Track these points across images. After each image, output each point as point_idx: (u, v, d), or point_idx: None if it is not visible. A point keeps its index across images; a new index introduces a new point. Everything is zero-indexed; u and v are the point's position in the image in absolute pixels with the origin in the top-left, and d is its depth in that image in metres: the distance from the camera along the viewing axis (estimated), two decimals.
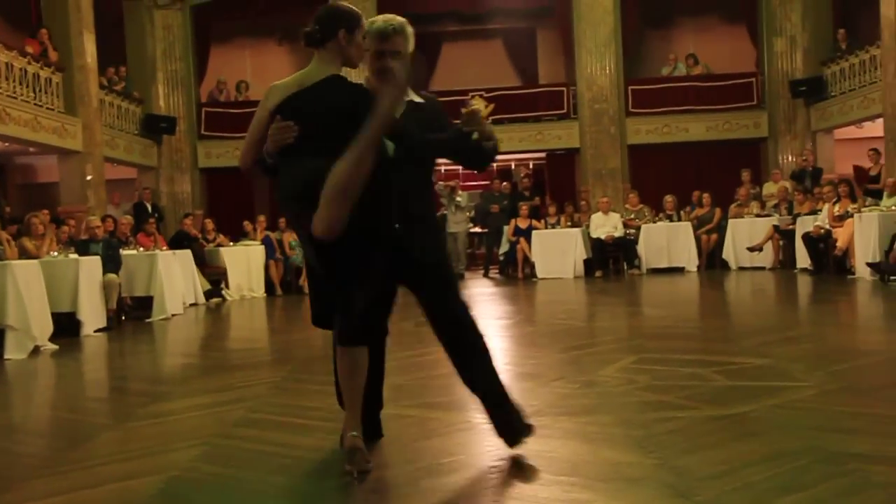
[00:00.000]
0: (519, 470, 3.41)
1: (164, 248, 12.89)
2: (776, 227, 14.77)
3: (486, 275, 17.24)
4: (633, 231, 15.96)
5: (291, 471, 3.60)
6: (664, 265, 15.54)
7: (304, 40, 3.47)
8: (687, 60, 19.44)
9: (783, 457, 3.43)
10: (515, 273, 16.36)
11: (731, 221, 15.56)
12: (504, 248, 16.74)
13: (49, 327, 8.54)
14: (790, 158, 18.24)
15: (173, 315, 11.29)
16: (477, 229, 18.60)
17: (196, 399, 5.46)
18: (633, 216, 16.34)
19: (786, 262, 14.72)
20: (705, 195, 16.37)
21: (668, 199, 16.36)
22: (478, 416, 4.47)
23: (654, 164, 18.74)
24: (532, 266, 15.85)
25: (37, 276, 8.52)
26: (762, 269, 14.82)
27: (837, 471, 3.21)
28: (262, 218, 16.29)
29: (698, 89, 18.97)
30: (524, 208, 16.56)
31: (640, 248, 15.70)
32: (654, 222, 15.99)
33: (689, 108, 18.81)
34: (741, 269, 15.09)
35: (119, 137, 16.65)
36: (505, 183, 18.52)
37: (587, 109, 18.87)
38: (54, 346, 8.40)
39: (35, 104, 13.66)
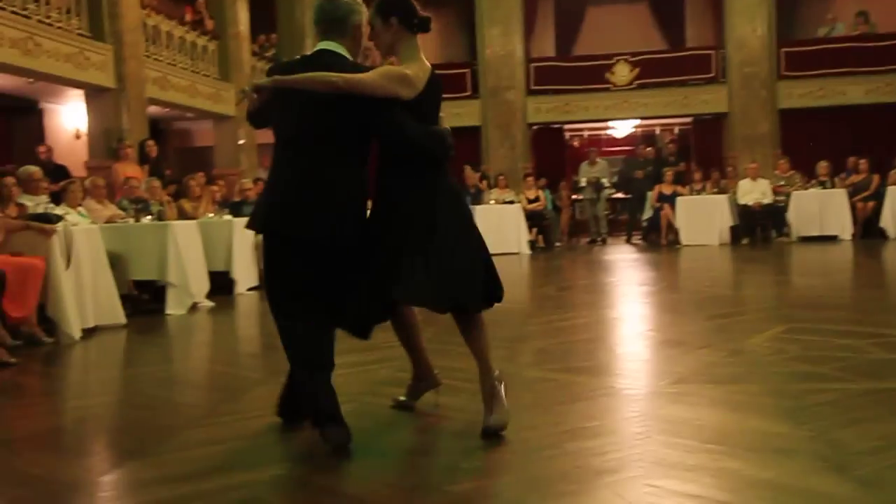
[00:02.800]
0: (664, 437, 3.39)
1: None
2: None
3: (628, 241, 17.02)
4: (782, 198, 15.42)
5: (437, 430, 3.69)
6: (815, 233, 14.93)
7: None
8: (857, 18, 18.46)
9: None
10: (658, 239, 16.07)
11: (890, 188, 14.78)
12: (647, 214, 16.47)
13: (206, 285, 8.94)
14: None
15: None
16: (620, 195, 18.38)
17: (344, 358, 5.55)
18: (782, 182, 15.77)
19: None
20: (862, 161, 15.62)
21: (822, 164, 15.68)
22: (621, 382, 4.46)
23: (808, 129, 17.97)
24: (676, 233, 15.54)
25: (195, 236, 8.91)
26: None
27: None
28: None
29: (858, 50, 18.02)
30: (669, 174, 16.22)
31: (790, 215, 15.14)
32: (806, 189, 15.38)
33: (848, 69, 17.90)
34: None
35: None
36: (649, 148, 18.21)
37: (736, 73, 18.26)
38: (210, 304, 8.79)
39: (192, 71, 14.22)
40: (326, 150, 3.54)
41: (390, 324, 3.94)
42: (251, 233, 10.15)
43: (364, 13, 3.69)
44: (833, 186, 15.43)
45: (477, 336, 3.67)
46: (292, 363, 3.64)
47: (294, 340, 3.58)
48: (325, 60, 3.54)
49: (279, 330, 3.60)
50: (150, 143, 12.05)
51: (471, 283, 3.60)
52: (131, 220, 8.80)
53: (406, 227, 3.56)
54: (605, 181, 17.24)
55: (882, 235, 14.71)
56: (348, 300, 3.63)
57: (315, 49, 3.66)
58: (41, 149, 12.25)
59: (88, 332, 6.96)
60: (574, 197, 18.53)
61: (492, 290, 3.72)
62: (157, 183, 10.21)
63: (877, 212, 14.95)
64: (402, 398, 4.07)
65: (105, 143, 11.86)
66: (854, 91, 17.89)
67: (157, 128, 15.43)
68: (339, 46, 3.62)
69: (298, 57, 3.74)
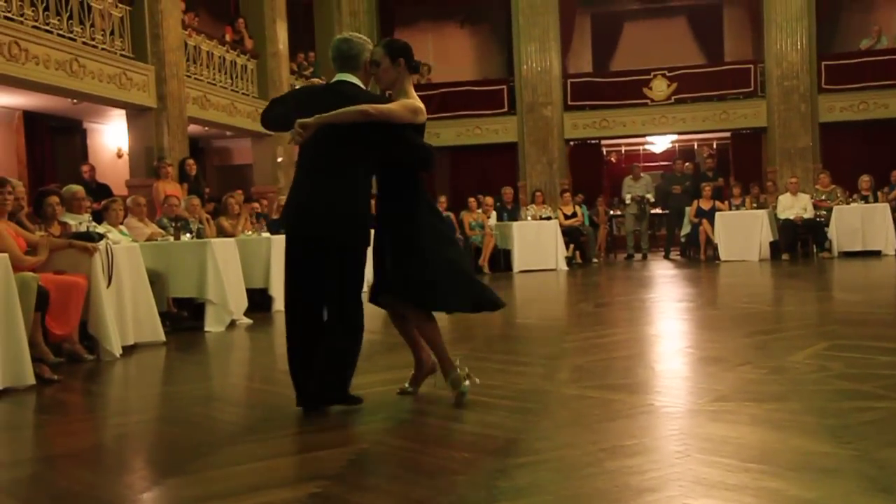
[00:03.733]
0: (705, 455, 3.34)
1: None
2: None
3: (666, 256, 16.90)
4: (823, 212, 15.24)
5: (476, 447, 3.66)
6: (858, 248, 14.73)
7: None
8: None
9: None
10: (697, 255, 15.96)
11: None
12: (686, 229, 16.36)
13: (244, 302, 8.99)
14: None
15: None
16: (658, 210, 18.27)
17: (381, 375, 5.61)
18: (823, 197, 15.58)
19: None
20: None
21: (865, 178, 15.47)
22: (660, 399, 4.42)
23: (849, 143, 17.76)
24: (715, 248, 15.41)
25: (233, 253, 8.97)
26: None
27: None
28: (443, 198, 16.52)
29: None
30: (707, 189, 16.11)
31: (832, 230, 14.95)
32: (848, 203, 15.18)
33: (890, 82, 17.66)
34: None
35: None
36: (687, 163, 18.10)
37: (776, 87, 18.10)
38: (249, 321, 8.84)
39: (232, 90, 14.38)
40: (334, 161, 4.28)
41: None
42: None
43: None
44: (876, 201, 15.22)
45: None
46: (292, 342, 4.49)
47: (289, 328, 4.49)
48: (345, 89, 4.37)
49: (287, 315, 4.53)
50: (190, 161, 12.19)
51: (434, 287, 4.40)
52: (171, 238, 8.89)
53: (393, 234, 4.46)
54: (649, 196, 17.16)
55: None
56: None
57: (335, 79, 4.47)
58: (84, 168, 12.43)
59: (128, 350, 7.03)
60: (612, 212, 18.46)
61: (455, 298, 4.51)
62: (196, 201, 10.31)
63: None
64: (407, 386, 4.75)
65: (146, 162, 12.02)
66: None
67: (197, 146, 15.61)
68: (354, 77, 4.43)
69: (321, 84, 4.56)
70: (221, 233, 10.29)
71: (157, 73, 11.96)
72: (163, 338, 7.55)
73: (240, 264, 9.05)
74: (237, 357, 7.50)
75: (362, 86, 4.44)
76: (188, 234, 9.07)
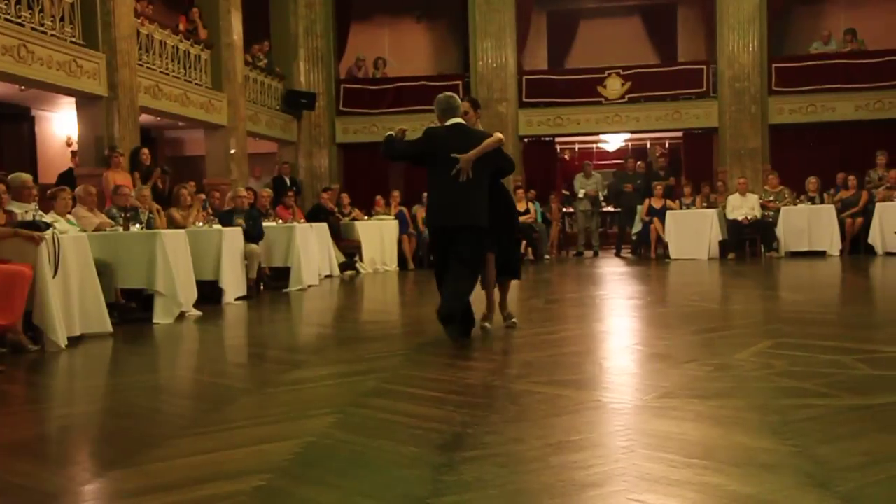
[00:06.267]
0: (649, 451, 3.39)
1: (302, 220, 13.23)
2: None
3: (617, 254, 17.06)
4: (771, 213, 15.48)
5: (423, 441, 3.67)
6: (804, 248, 15.01)
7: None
8: (845, 36, 18.52)
9: None
10: (648, 253, 16.12)
11: (878, 205, 14.86)
12: (637, 227, 16.52)
13: (194, 294, 8.91)
14: None
15: (309, 286, 11.59)
16: (610, 208, 18.43)
17: (330, 368, 5.62)
18: (772, 198, 15.82)
19: None
20: (851, 177, 15.69)
21: (812, 180, 15.74)
22: (607, 396, 4.47)
23: (797, 145, 18.06)
24: (665, 246, 15.59)
25: (184, 245, 8.88)
26: None
27: None
28: (396, 193, 16.51)
29: (847, 67, 18.09)
30: (659, 188, 16.29)
31: (779, 230, 15.21)
32: (795, 204, 15.44)
33: (837, 86, 17.97)
34: (888, 254, 14.38)
35: (261, 112, 17.12)
36: (640, 162, 18.27)
37: (727, 88, 18.32)
38: (198, 313, 8.76)
39: (185, 80, 14.19)
40: (474, 175, 6.50)
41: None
42: (240, 242, 10.26)
43: None
44: (822, 202, 15.50)
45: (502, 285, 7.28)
46: (443, 292, 6.50)
47: (445, 284, 6.50)
48: (470, 130, 6.70)
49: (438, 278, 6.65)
50: (145, 151, 12.01)
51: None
52: (120, 229, 8.78)
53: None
54: (600, 194, 17.38)
55: (870, 251, 14.77)
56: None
57: (454, 122, 6.67)
58: (74, 151, 12.21)
59: (74, 341, 6.93)
60: (564, 209, 18.58)
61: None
62: (146, 192, 10.19)
63: (865, 228, 15.01)
64: (484, 324, 6.97)
65: (96, 151, 11.83)
66: (844, 107, 17.95)
67: (149, 136, 15.40)
68: (462, 121, 6.71)
69: (445, 126, 6.69)
70: (172, 224, 10.18)
71: (108, 62, 11.76)
72: (110, 329, 7.45)
73: (190, 256, 8.97)
74: (185, 349, 7.43)
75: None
76: (138, 225, 8.96)
